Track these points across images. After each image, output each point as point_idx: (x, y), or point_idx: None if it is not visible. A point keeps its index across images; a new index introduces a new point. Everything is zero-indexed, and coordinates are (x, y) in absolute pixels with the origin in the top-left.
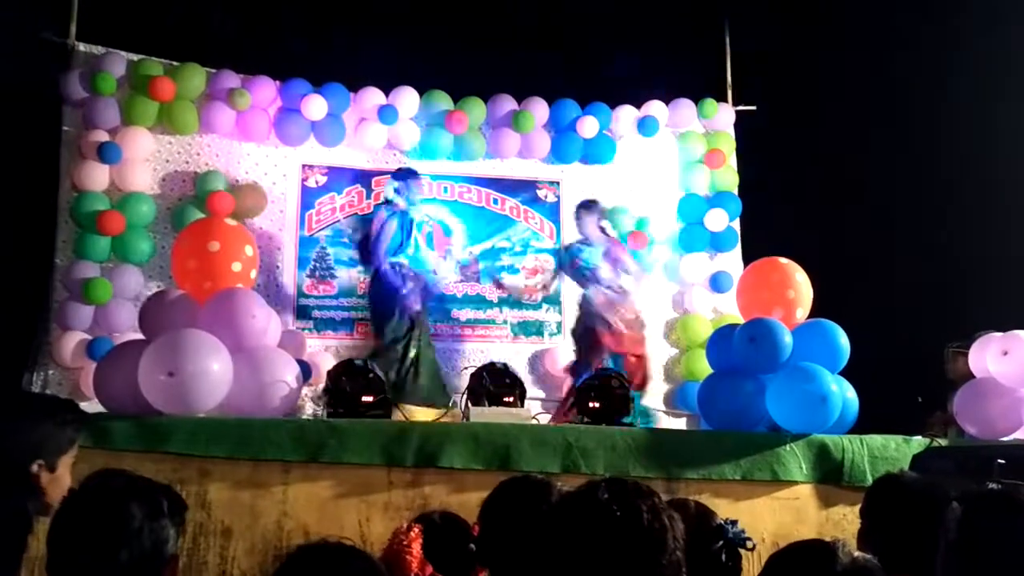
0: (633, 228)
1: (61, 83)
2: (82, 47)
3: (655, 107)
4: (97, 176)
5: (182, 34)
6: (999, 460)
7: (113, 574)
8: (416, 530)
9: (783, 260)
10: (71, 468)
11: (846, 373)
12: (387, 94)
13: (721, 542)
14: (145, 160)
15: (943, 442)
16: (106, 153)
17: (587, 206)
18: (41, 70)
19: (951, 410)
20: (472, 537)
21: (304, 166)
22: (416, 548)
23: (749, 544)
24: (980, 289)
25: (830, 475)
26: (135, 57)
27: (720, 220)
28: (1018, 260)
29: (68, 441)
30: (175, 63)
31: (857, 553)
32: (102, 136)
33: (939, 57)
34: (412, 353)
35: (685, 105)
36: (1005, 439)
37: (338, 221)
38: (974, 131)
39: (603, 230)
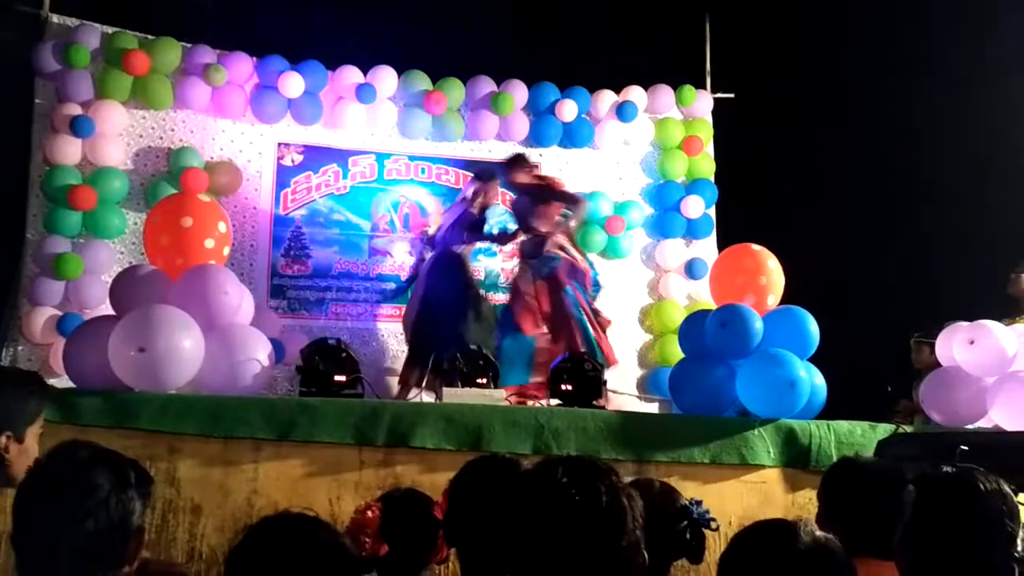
0: (610, 213)
1: (34, 55)
2: (56, 19)
3: (634, 92)
4: (69, 150)
5: (158, 7)
6: (962, 447)
7: (78, 545)
8: (372, 511)
9: (756, 247)
10: (38, 439)
11: (815, 359)
12: (365, 73)
13: (685, 522)
14: (118, 135)
15: (908, 429)
16: (79, 127)
17: (517, 161)
18: (13, 41)
19: (916, 398)
20: (433, 515)
21: (280, 144)
22: (371, 528)
23: (713, 524)
24: (950, 279)
25: (797, 459)
26: (109, 30)
27: (696, 207)
28: (988, 250)
29: (34, 412)
30: (150, 37)
31: (819, 532)
32: (75, 110)
33: (918, 46)
34: None
35: (664, 91)
36: (969, 427)
37: (314, 200)
38: (952, 120)
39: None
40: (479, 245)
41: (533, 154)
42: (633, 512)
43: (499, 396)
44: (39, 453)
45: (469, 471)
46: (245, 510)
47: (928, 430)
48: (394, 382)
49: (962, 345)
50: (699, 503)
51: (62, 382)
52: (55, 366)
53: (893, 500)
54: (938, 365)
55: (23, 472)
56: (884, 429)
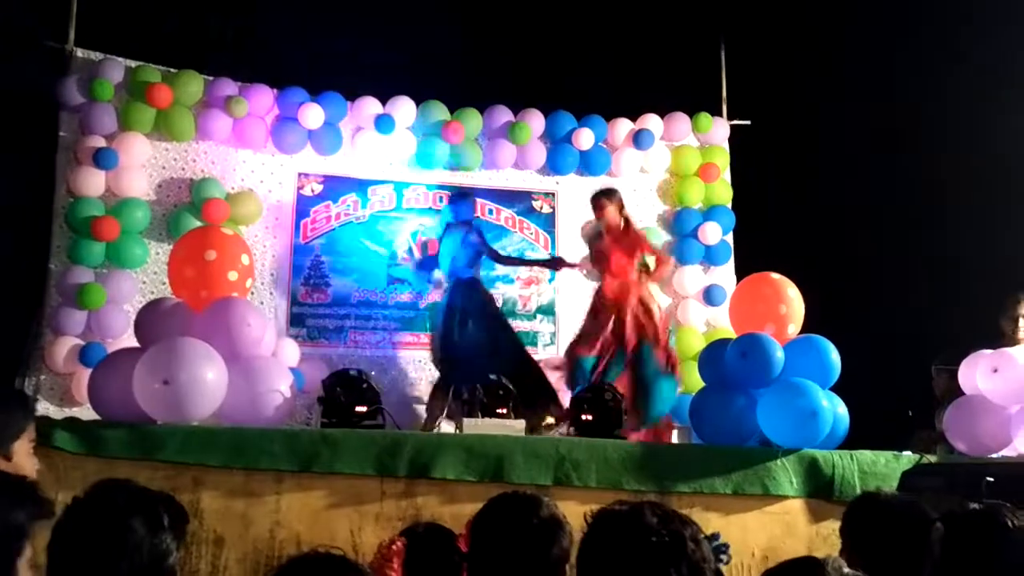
0: None
1: (59, 88)
2: (80, 53)
3: (650, 120)
4: (93, 182)
5: (180, 41)
6: (988, 478)
7: None
8: (398, 544)
9: (775, 275)
10: (30, 455)
11: (837, 389)
12: (384, 104)
13: None
14: (141, 166)
15: (932, 459)
16: (102, 159)
17: (608, 193)
18: (39, 75)
19: (939, 426)
20: (457, 548)
21: (300, 174)
22: (396, 563)
23: (724, 559)
24: (972, 306)
25: (820, 490)
26: (133, 63)
27: (714, 233)
28: (1011, 277)
29: (18, 428)
30: (173, 70)
31: (847, 570)
32: (99, 142)
33: (933, 73)
34: None
35: (680, 119)
36: (994, 456)
37: (333, 229)
38: (969, 146)
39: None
40: (499, 271)
41: (550, 182)
42: (711, 564)
43: (519, 427)
44: (67, 484)
45: (491, 508)
46: (267, 542)
47: (952, 460)
48: (420, 410)
49: (985, 373)
50: (716, 536)
51: (85, 411)
52: (77, 395)
53: (918, 538)
54: (959, 393)
55: None
56: (908, 459)
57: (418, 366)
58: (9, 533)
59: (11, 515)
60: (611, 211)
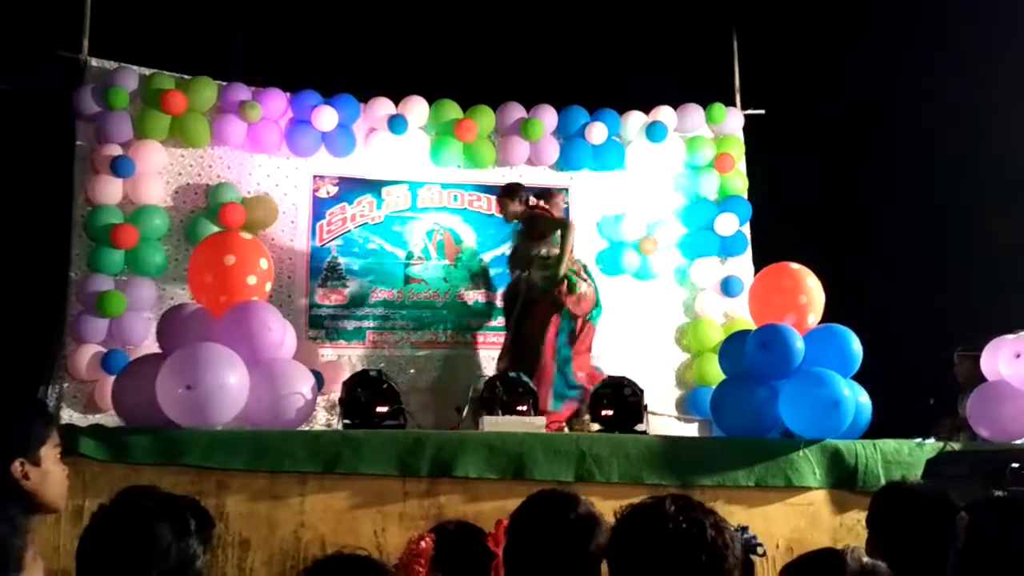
0: (643, 234)
1: (74, 98)
2: (95, 62)
3: (663, 112)
4: (110, 190)
5: (193, 48)
6: (1013, 464)
7: None
8: (426, 542)
9: (794, 265)
10: (58, 460)
11: (859, 378)
12: (396, 104)
13: None
14: (158, 173)
15: (956, 446)
16: (119, 167)
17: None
18: (54, 85)
19: (961, 413)
20: (487, 547)
21: (315, 176)
22: (424, 561)
23: (760, 550)
24: (992, 292)
25: (844, 480)
26: (147, 71)
27: (730, 224)
28: None
29: (42, 434)
30: (186, 76)
31: (866, 559)
32: (115, 150)
33: (946, 60)
34: None
35: (694, 110)
36: (1018, 442)
37: (349, 231)
38: (984, 133)
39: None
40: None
41: (563, 178)
42: (734, 550)
43: (540, 423)
44: (93, 490)
45: (529, 505)
46: (292, 543)
47: (976, 447)
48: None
49: (1008, 359)
50: (745, 529)
51: (108, 418)
52: (101, 402)
53: (943, 526)
54: (981, 378)
55: (52, 495)
56: (931, 447)
57: (437, 364)
58: (8, 530)
59: (6, 512)
60: (513, 208)
